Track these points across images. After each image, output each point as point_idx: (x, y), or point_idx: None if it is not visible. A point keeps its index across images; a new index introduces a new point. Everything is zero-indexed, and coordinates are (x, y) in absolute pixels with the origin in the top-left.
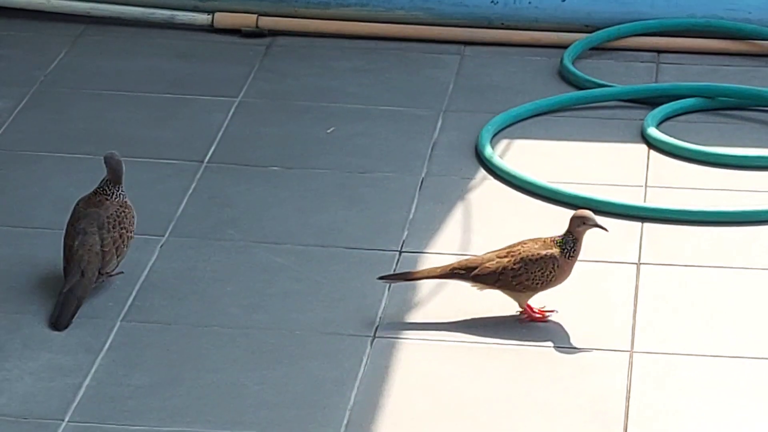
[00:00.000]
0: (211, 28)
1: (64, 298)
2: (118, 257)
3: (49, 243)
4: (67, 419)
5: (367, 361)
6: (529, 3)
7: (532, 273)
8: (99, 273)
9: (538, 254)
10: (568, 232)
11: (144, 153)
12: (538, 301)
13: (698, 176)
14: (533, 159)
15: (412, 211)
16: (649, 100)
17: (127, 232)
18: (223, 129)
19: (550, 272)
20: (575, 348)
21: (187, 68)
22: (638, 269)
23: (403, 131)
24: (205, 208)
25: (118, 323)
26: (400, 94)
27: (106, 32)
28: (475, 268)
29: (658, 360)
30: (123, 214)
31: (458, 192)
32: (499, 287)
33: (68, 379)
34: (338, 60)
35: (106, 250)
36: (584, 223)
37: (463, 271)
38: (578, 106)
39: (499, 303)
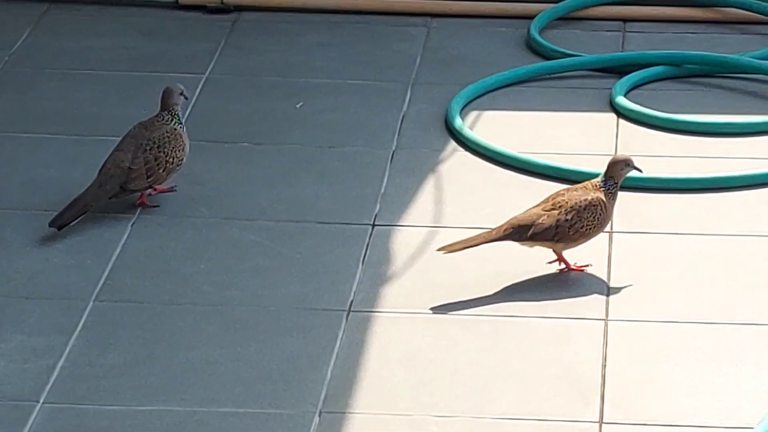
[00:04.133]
0: (175, 5)
1: (73, 201)
2: (148, 178)
3: (18, 224)
4: (42, 401)
5: (342, 336)
6: None
7: (586, 219)
8: (122, 188)
9: (586, 200)
10: (609, 176)
11: (111, 131)
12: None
13: (667, 144)
14: (503, 130)
15: (384, 184)
16: (617, 69)
17: (166, 156)
18: (190, 106)
19: (600, 214)
20: (550, 317)
21: (153, 46)
22: (611, 237)
23: (371, 105)
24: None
25: (91, 303)
26: (368, 67)
27: (70, 11)
28: (529, 227)
29: (632, 327)
30: (167, 138)
31: (429, 164)
32: (558, 241)
33: (42, 360)
34: (304, 35)
35: (135, 168)
36: (627, 165)
37: (519, 232)
38: (546, 76)
39: (473, 275)
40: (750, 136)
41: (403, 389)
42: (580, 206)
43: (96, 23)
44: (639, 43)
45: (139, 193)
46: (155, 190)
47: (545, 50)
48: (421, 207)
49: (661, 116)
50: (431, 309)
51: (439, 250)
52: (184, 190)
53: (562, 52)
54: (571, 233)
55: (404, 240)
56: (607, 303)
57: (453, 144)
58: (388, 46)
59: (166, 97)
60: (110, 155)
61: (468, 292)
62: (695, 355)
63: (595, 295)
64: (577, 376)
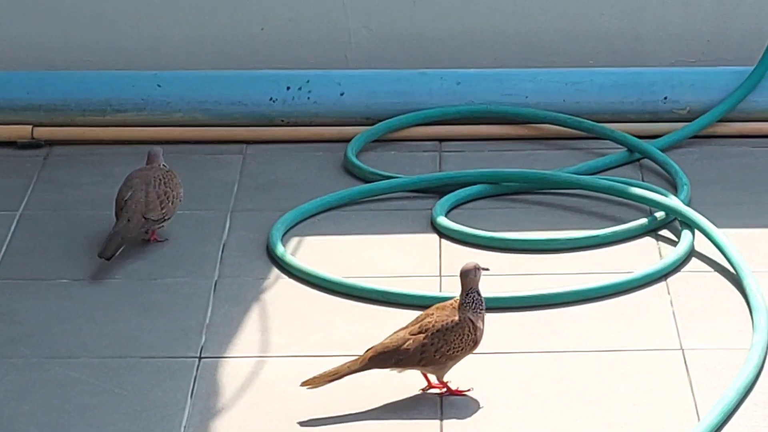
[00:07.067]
0: None
1: (111, 235)
2: (162, 210)
3: None
4: None
5: None
6: (308, 98)
7: (452, 342)
8: (144, 218)
9: (453, 321)
10: (468, 289)
11: None
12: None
13: (491, 262)
14: (326, 255)
15: (208, 315)
16: (436, 189)
17: (172, 191)
18: (6, 244)
19: (468, 335)
20: None
21: None
22: None
23: (191, 234)
24: None
25: None
26: (185, 196)
27: None
28: (395, 352)
29: None
30: (168, 176)
31: (253, 293)
32: (425, 365)
33: None
34: (118, 166)
35: (150, 199)
36: (477, 270)
37: (383, 360)
38: (366, 199)
39: (305, 405)
40: (573, 251)
41: None
42: (446, 328)
43: None
44: (456, 163)
45: (151, 231)
46: (151, 237)
47: (363, 173)
48: (248, 337)
49: (483, 235)
50: None
51: (303, 384)
52: (3, 330)
53: (380, 174)
54: (437, 357)
55: (232, 371)
56: (441, 427)
57: (276, 271)
58: (205, 174)
59: (153, 157)
60: (123, 197)
61: (300, 423)
62: None
63: (429, 420)
64: None
